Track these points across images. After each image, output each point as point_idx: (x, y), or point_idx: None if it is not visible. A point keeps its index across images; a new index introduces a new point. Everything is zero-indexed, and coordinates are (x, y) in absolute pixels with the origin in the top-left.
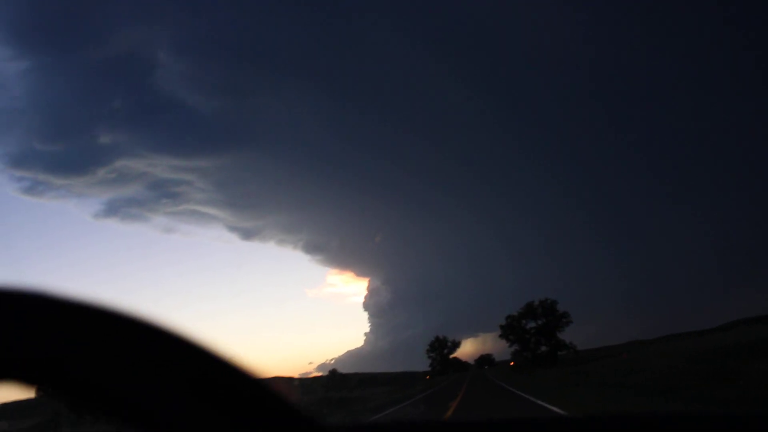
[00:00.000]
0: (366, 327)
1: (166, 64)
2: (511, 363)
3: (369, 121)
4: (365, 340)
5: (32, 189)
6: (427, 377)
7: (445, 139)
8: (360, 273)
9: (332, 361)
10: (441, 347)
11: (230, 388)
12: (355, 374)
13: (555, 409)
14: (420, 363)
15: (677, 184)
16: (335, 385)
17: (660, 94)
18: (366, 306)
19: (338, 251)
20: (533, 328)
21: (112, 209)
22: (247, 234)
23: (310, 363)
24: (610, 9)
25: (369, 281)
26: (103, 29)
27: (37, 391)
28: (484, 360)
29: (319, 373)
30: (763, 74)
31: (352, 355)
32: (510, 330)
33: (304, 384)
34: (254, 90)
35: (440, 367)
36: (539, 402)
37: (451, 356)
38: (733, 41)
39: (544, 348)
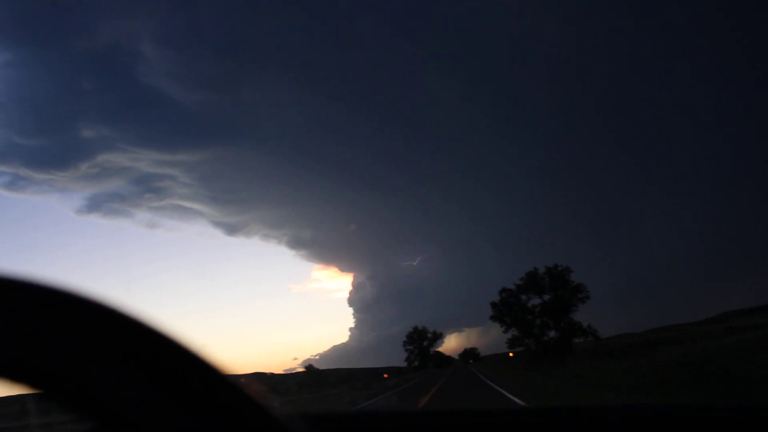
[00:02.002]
0: (351, 322)
1: (150, 57)
2: (510, 354)
3: (354, 115)
4: (350, 336)
5: (13, 184)
6: (385, 375)
7: (431, 133)
8: (344, 268)
9: (317, 357)
10: (420, 339)
11: (189, 379)
12: (337, 369)
13: None
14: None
15: (667, 180)
16: (311, 381)
17: (649, 90)
18: (351, 301)
19: (322, 246)
20: (537, 307)
21: (95, 204)
22: (232, 229)
23: (295, 359)
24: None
25: (353, 276)
26: (85, 22)
27: None
28: (468, 354)
29: (303, 369)
30: (753, 71)
31: (337, 351)
32: (505, 309)
33: (277, 381)
34: (239, 84)
35: (418, 361)
36: None
37: (433, 350)
38: (727, 37)
39: (552, 333)
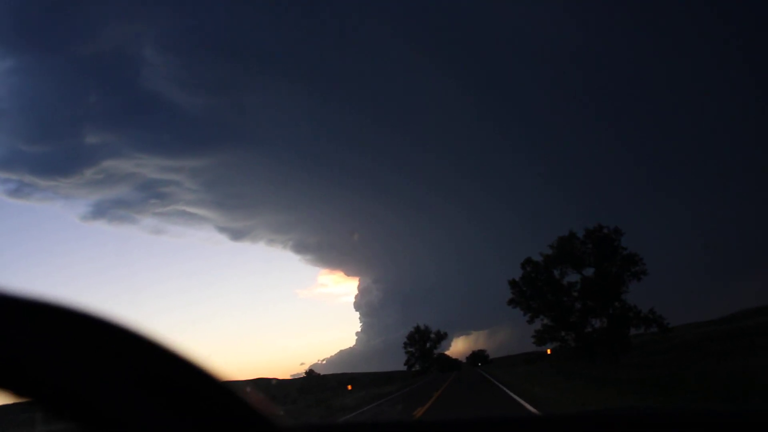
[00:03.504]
0: (357, 327)
1: (154, 62)
2: (548, 351)
3: (358, 119)
4: (357, 340)
5: (18, 191)
6: (349, 387)
7: (436, 137)
8: (350, 272)
9: (324, 362)
10: (422, 340)
11: (185, 387)
12: (343, 374)
13: None
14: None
15: (669, 180)
16: (312, 387)
17: (649, 88)
18: (357, 306)
19: (328, 251)
20: (577, 285)
21: (100, 211)
22: (237, 235)
23: (302, 364)
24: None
25: (359, 280)
26: (88, 28)
27: None
28: (476, 357)
29: (319, 373)
30: (752, 70)
31: (344, 355)
32: (530, 289)
33: (279, 386)
34: (243, 89)
35: (421, 364)
36: None
37: (437, 352)
38: (726, 36)
39: (596, 323)
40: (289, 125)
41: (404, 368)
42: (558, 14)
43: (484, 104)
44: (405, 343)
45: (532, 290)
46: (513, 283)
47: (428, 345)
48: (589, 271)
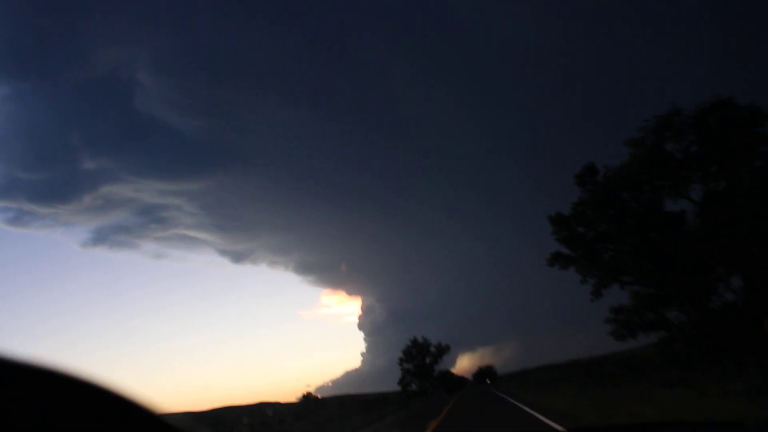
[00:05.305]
0: (362, 347)
1: (148, 85)
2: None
3: (357, 139)
4: (362, 360)
5: (17, 219)
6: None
7: (436, 155)
8: (352, 292)
9: (329, 384)
10: (420, 354)
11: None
12: (344, 396)
13: None
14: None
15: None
16: (308, 411)
17: (653, 98)
18: (361, 325)
19: (330, 271)
20: (695, 216)
21: (100, 237)
22: (239, 257)
23: (308, 386)
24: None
25: (362, 300)
26: (82, 53)
27: None
28: (484, 373)
29: (318, 396)
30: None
31: (349, 376)
32: (589, 228)
33: (276, 410)
34: (239, 110)
35: (418, 384)
36: None
37: (439, 368)
38: (717, 38)
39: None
40: (286, 146)
41: (410, 388)
42: (565, 28)
43: (485, 120)
44: (400, 359)
45: (595, 232)
46: (557, 219)
47: (428, 360)
48: (719, 184)
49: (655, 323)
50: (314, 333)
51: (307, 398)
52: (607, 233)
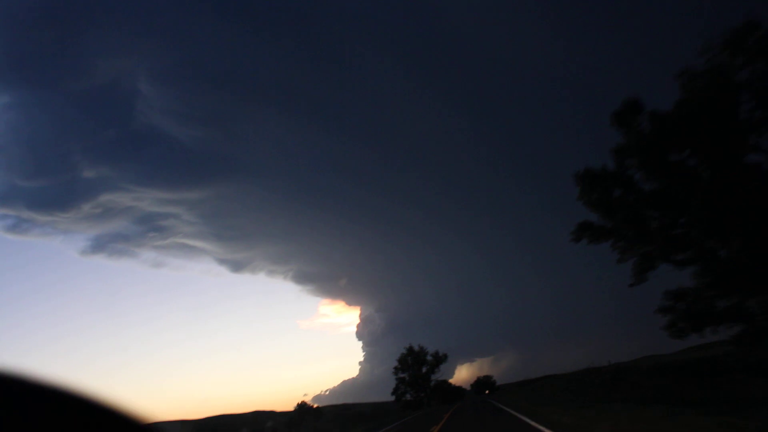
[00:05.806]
0: (360, 356)
1: (148, 95)
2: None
3: (356, 149)
4: (360, 370)
5: (16, 227)
6: None
7: (434, 166)
8: (351, 302)
9: (327, 393)
10: (417, 363)
11: None
12: (339, 406)
13: None
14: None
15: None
16: (302, 421)
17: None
18: (359, 335)
19: (328, 280)
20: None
21: (99, 245)
22: (237, 266)
23: (305, 395)
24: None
25: (361, 310)
26: (83, 63)
27: None
28: (482, 384)
29: (315, 405)
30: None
31: (347, 386)
32: (628, 190)
33: (269, 418)
34: (238, 120)
35: (413, 394)
36: None
37: (436, 378)
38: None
39: None
40: (285, 156)
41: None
42: (560, 38)
43: (483, 133)
44: (395, 368)
45: (635, 193)
46: (589, 178)
47: (424, 369)
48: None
49: (729, 314)
50: (312, 342)
51: (302, 407)
52: (659, 194)
